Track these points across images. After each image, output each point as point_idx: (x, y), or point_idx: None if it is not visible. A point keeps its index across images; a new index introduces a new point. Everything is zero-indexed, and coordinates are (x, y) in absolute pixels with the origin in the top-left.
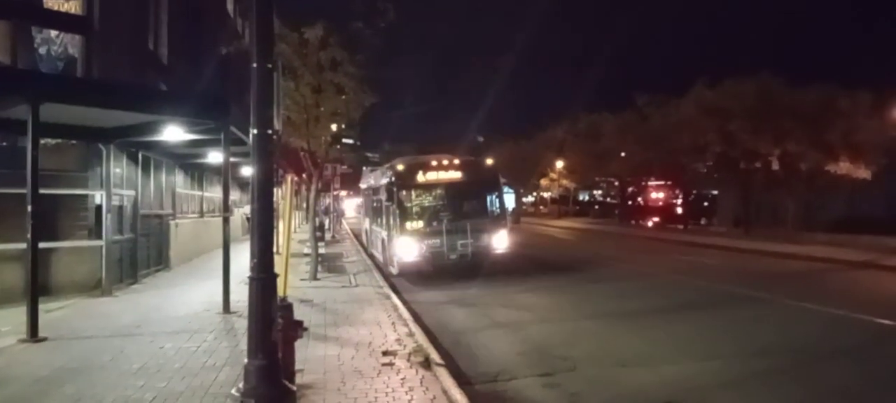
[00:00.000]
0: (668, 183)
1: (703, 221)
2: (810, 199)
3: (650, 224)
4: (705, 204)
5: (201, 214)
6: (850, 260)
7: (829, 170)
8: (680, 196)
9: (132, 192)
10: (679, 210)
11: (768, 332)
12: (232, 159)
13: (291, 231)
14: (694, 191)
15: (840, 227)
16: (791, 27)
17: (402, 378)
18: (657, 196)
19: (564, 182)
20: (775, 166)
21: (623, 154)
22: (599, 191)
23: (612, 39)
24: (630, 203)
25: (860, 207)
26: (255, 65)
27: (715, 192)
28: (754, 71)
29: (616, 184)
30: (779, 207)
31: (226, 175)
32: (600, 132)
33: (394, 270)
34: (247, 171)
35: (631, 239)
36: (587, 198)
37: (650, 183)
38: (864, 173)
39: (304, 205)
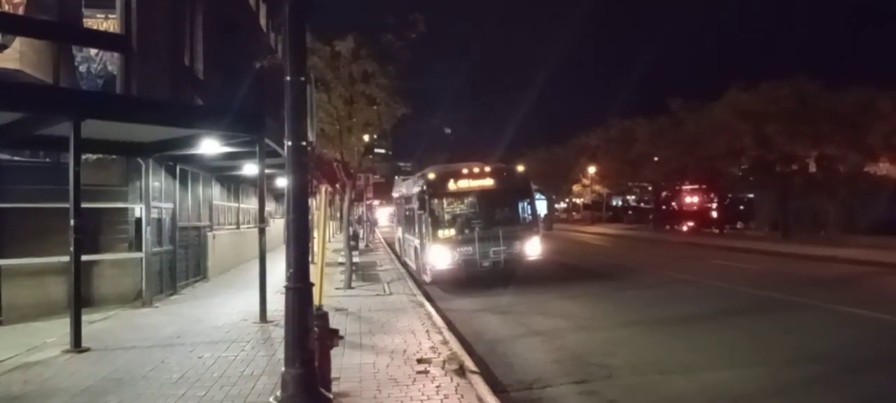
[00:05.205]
0: (703, 187)
1: (739, 225)
2: (851, 202)
3: (685, 228)
4: (741, 207)
5: (238, 225)
6: (894, 263)
7: (870, 171)
8: (715, 200)
9: (170, 205)
10: (714, 214)
11: (809, 338)
12: (267, 171)
13: (326, 240)
14: (729, 195)
15: (882, 230)
16: (827, 30)
17: (437, 386)
18: (692, 200)
19: (597, 188)
20: (812, 169)
21: (656, 159)
22: (633, 197)
23: (645, 45)
24: (664, 208)
25: None
26: (288, 78)
27: (750, 196)
28: (790, 74)
29: (650, 188)
30: (818, 210)
31: (261, 186)
32: (633, 137)
33: (427, 278)
34: (282, 183)
35: (666, 244)
36: (620, 203)
37: (684, 187)
38: None
39: (338, 215)
